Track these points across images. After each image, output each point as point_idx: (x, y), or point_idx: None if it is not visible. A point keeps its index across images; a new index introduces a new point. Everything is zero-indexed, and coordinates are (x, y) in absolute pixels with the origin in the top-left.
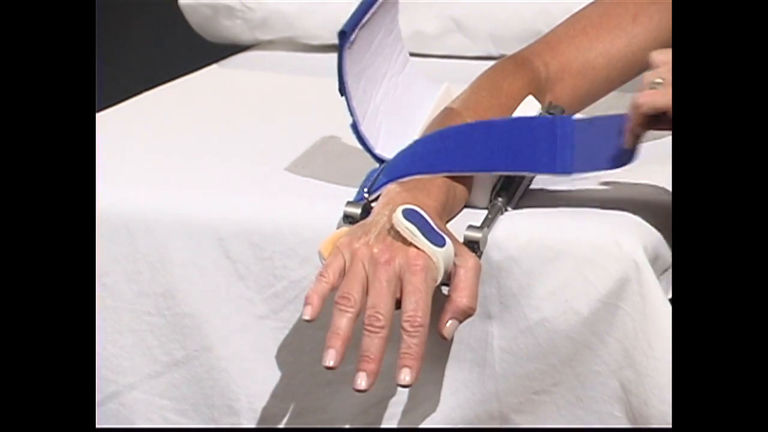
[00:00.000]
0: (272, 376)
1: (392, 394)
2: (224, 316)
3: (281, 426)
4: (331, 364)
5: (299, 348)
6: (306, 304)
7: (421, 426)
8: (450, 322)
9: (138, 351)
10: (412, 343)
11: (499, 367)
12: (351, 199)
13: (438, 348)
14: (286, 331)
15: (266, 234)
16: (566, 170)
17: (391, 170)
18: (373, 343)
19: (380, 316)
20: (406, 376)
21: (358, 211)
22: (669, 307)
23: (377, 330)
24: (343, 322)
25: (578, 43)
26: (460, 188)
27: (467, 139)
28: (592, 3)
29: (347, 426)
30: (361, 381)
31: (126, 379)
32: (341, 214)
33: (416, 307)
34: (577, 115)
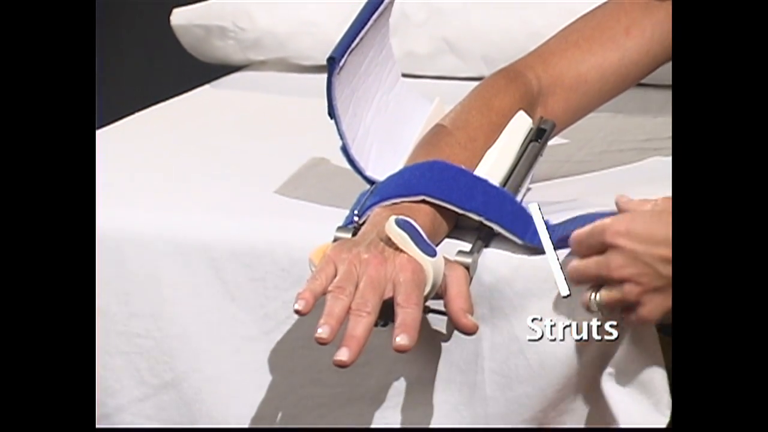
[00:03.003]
0: (262, 398)
1: (382, 416)
2: (215, 337)
3: None
4: (323, 334)
5: (290, 370)
6: (299, 298)
7: None
8: (467, 316)
9: (127, 373)
10: (408, 316)
11: (489, 390)
12: (341, 224)
13: (427, 370)
14: (277, 353)
15: (258, 254)
16: (534, 243)
17: (378, 193)
18: (358, 324)
19: (368, 304)
20: (403, 340)
21: (348, 236)
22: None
23: (364, 314)
24: (338, 306)
25: (570, 56)
26: (446, 216)
27: (456, 178)
28: (584, 15)
29: None
30: (344, 355)
31: (116, 401)
32: (332, 238)
33: (410, 292)
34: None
